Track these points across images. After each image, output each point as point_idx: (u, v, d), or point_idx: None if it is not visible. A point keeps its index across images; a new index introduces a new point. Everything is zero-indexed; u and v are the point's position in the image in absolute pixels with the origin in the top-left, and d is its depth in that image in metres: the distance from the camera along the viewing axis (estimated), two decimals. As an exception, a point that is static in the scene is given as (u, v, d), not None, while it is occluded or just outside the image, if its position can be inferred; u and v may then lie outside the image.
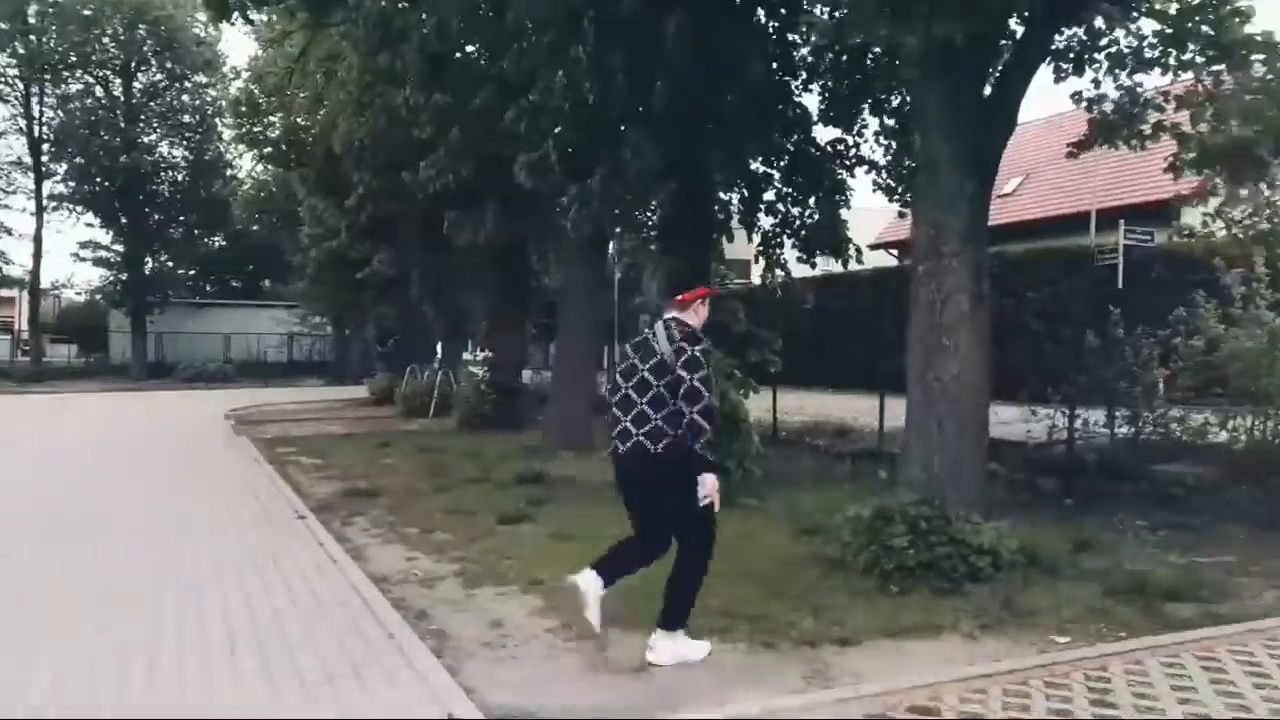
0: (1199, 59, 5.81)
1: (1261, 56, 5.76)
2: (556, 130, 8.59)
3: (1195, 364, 8.94)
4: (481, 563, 6.53)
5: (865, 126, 10.30)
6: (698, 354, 4.36)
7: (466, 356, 24.40)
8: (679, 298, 4.76)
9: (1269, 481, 7.77)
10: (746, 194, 9.68)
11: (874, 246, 24.49)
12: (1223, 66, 5.92)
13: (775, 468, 9.74)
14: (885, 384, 12.49)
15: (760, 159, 9.75)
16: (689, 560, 4.56)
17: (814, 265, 10.78)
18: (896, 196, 10.54)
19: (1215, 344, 8.72)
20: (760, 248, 10.27)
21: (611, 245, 16.14)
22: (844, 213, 10.35)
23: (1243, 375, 8.38)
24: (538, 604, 5.50)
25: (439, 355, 24.55)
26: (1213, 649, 4.49)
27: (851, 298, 22.03)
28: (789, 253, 10.52)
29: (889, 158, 10.54)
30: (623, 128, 8.19)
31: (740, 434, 9.23)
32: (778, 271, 10.27)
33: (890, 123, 10.29)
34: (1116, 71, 6.70)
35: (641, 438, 4.42)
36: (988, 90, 6.51)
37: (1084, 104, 7.15)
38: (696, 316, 4.70)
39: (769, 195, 9.92)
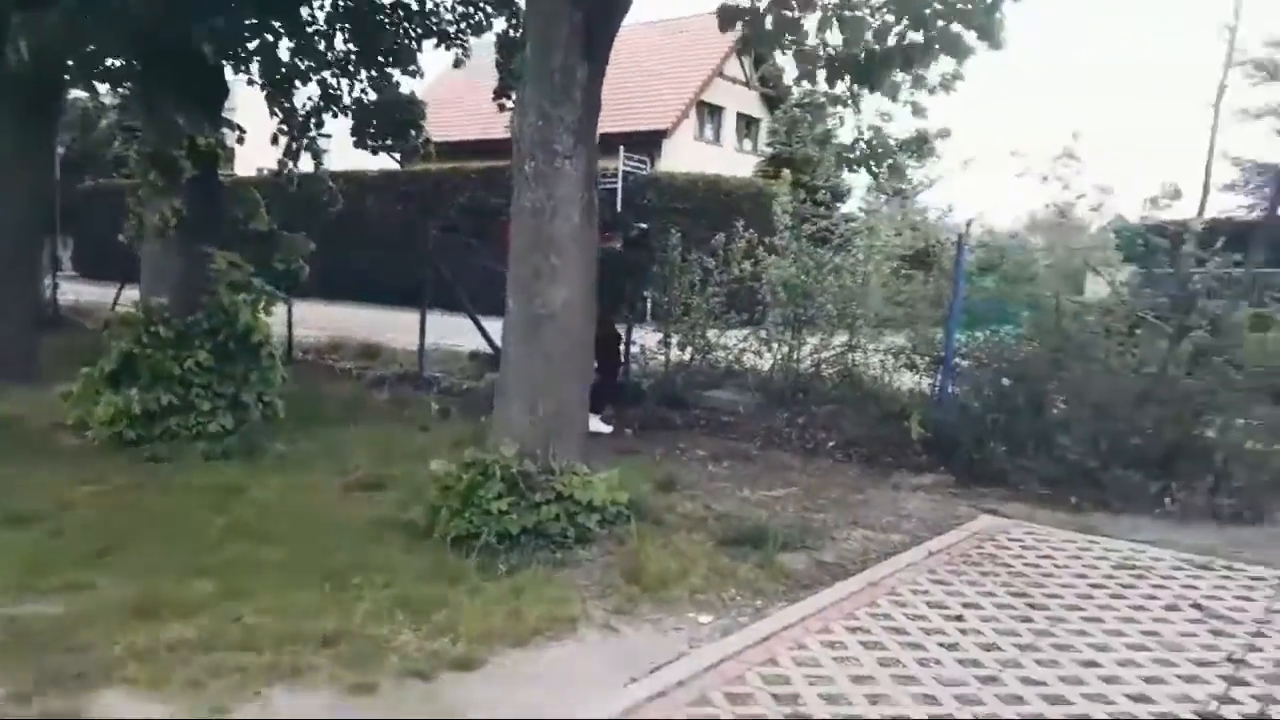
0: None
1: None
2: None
3: (730, 290, 9.06)
4: None
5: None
6: None
7: None
8: None
9: (805, 407, 8.12)
10: (280, 46, 7.42)
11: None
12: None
13: (301, 398, 8.03)
14: (388, 297, 11.30)
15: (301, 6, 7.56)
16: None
17: (375, 153, 9.02)
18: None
19: (758, 271, 8.90)
20: (284, 126, 8.18)
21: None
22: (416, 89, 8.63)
23: (783, 302, 8.65)
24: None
25: None
26: (855, 614, 4.13)
27: (361, 199, 20.17)
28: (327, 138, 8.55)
29: (462, 31, 8.96)
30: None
31: (260, 361, 7.37)
32: (305, 160, 8.31)
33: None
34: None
35: None
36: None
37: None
38: None
39: (306, 59, 7.82)
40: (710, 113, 32.97)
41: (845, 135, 6.20)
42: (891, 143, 5.84)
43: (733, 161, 29.66)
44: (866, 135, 5.79)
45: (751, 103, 34.08)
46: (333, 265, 18.81)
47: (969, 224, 7.32)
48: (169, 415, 6.89)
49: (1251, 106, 31.71)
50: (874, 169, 5.95)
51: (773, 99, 33.17)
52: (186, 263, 7.22)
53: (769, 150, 31.35)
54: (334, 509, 5.48)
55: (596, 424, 7.91)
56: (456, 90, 29.38)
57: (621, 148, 25.51)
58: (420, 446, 6.97)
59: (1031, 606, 4.32)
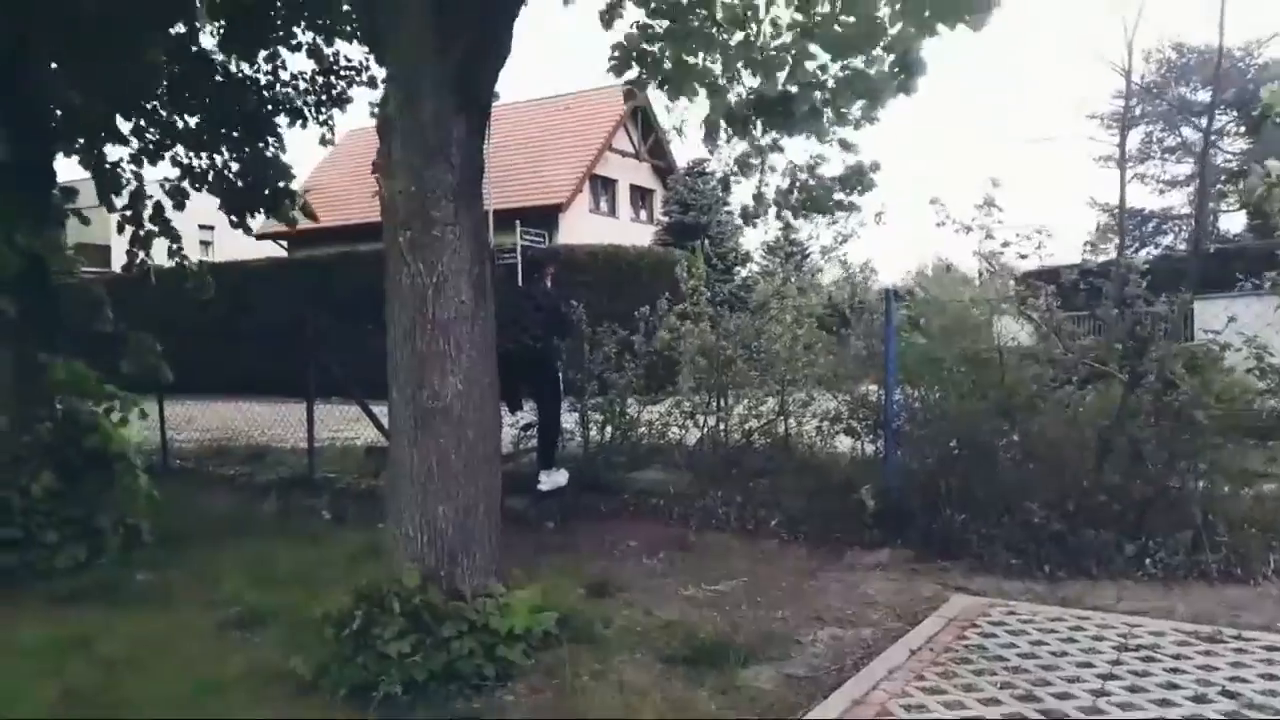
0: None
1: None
2: None
3: (650, 361, 8.49)
4: None
5: (280, 61, 7.86)
6: None
7: None
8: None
9: (741, 483, 7.47)
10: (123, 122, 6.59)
11: (261, 236, 20.94)
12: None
13: (173, 515, 7.01)
14: (281, 390, 10.38)
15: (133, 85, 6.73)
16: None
17: (248, 230, 8.17)
18: None
19: (676, 340, 8.34)
20: (129, 212, 7.27)
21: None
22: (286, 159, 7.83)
23: (703, 370, 8.08)
24: None
25: None
26: (845, 748, 3.42)
27: (247, 290, 18.99)
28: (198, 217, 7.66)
29: (322, 103, 8.21)
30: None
31: (117, 478, 6.38)
32: (172, 248, 7.42)
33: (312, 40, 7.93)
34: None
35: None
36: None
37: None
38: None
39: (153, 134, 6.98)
40: (604, 185, 32.99)
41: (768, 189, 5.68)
42: (829, 182, 5.33)
43: (628, 232, 29.60)
44: (802, 177, 5.27)
45: (644, 174, 34.40)
46: (222, 359, 17.65)
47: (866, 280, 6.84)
48: (7, 552, 5.88)
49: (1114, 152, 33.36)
50: (819, 210, 5.42)
51: (663, 170, 33.55)
52: (21, 372, 6.23)
53: (664, 219, 31.48)
54: (202, 658, 4.52)
55: (554, 479, 7.57)
56: (346, 170, 28.57)
57: (518, 222, 25.06)
58: (310, 564, 6.06)
59: (1046, 715, 3.68)
